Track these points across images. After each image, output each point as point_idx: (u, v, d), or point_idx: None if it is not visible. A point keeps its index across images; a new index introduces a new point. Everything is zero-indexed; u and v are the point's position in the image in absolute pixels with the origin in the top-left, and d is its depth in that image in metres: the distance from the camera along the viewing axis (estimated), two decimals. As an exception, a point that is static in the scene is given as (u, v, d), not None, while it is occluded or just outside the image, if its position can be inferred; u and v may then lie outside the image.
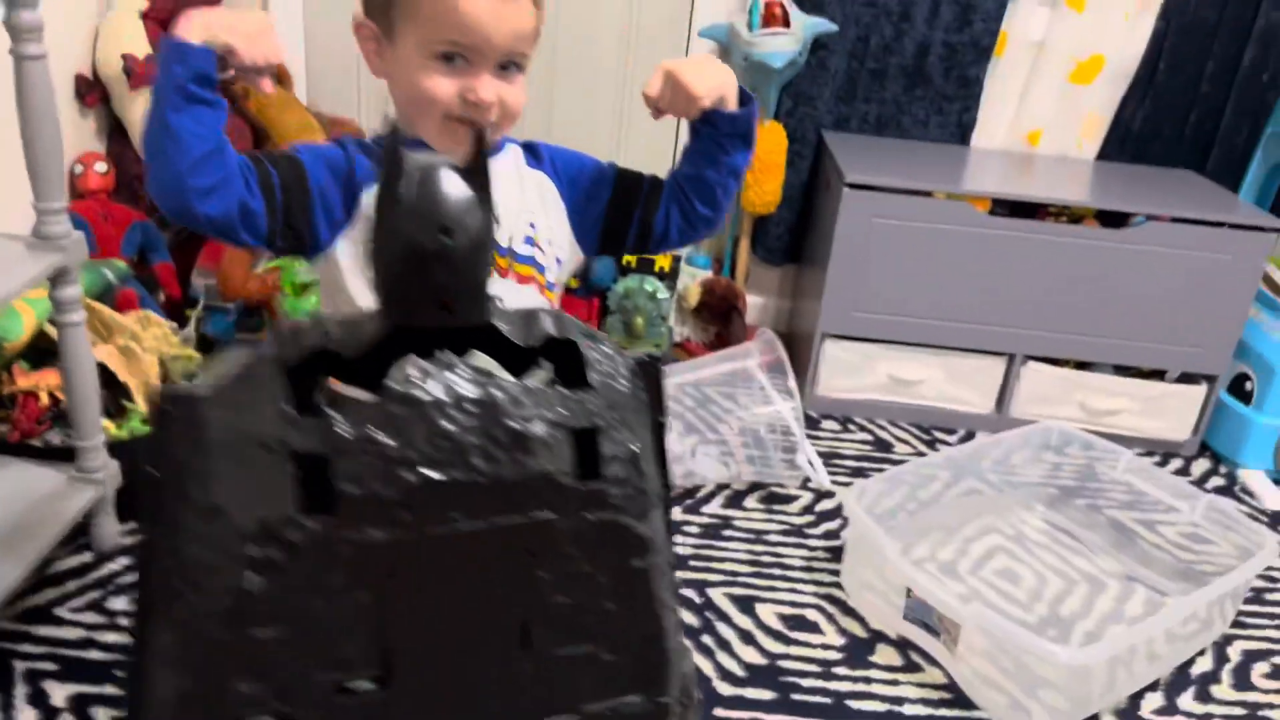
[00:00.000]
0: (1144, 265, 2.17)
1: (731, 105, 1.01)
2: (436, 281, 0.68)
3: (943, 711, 1.52)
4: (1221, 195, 2.30)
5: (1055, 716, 1.49)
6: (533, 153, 1.08)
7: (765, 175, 2.38)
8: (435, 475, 0.67)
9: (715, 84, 0.99)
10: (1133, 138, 2.45)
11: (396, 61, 0.99)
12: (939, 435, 2.30)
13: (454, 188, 0.67)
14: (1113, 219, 2.22)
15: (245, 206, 0.91)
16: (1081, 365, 2.31)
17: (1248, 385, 2.24)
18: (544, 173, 1.07)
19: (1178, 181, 2.38)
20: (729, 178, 1.06)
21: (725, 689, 1.50)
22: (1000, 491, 2.03)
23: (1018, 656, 1.49)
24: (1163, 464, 2.25)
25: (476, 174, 0.67)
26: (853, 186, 2.14)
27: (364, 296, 0.98)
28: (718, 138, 1.03)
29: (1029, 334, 2.23)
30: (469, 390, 0.68)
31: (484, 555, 0.70)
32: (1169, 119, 2.42)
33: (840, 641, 1.64)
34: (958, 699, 1.54)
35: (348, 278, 0.99)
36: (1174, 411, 2.28)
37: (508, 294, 0.97)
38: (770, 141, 2.36)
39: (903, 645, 1.65)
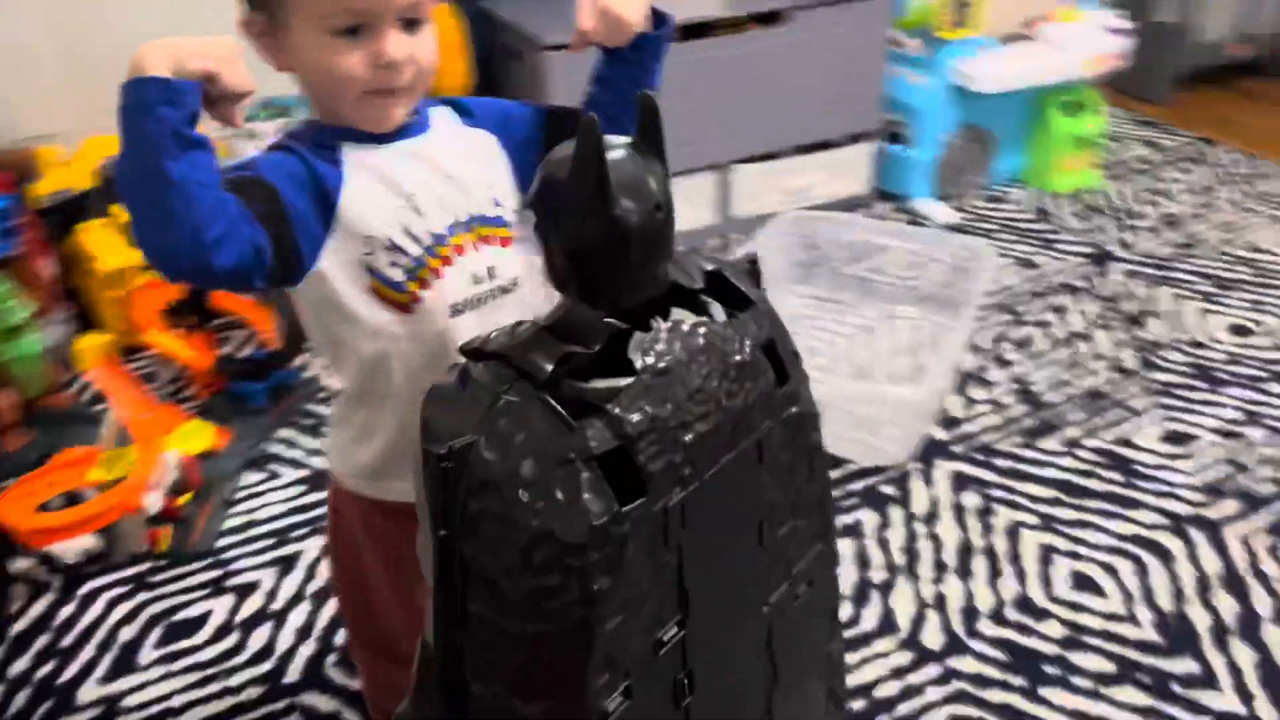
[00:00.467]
0: (798, 54, 2.46)
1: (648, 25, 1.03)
2: (651, 258, 0.71)
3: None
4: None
5: (900, 443, 1.81)
6: (461, 110, 1.04)
7: (449, 57, 2.35)
8: (705, 427, 0.73)
9: (642, 6, 1.00)
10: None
11: (295, 49, 0.90)
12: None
13: (648, 164, 0.69)
14: (766, 20, 2.46)
15: (256, 246, 0.82)
16: (770, 156, 2.60)
17: (897, 130, 2.67)
18: (481, 129, 1.05)
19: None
20: None
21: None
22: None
23: (864, 409, 1.78)
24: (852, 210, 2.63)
25: (655, 143, 0.70)
26: (551, 49, 2.20)
27: (362, 305, 0.93)
28: (644, 60, 1.04)
29: (729, 142, 2.47)
30: (699, 342, 0.74)
31: (733, 478, 0.78)
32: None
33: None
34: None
35: (341, 293, 0.93)
36: (852, 171, 2.66)
37: (499, 261, 0.98)
38: (442, 23, 2.31)
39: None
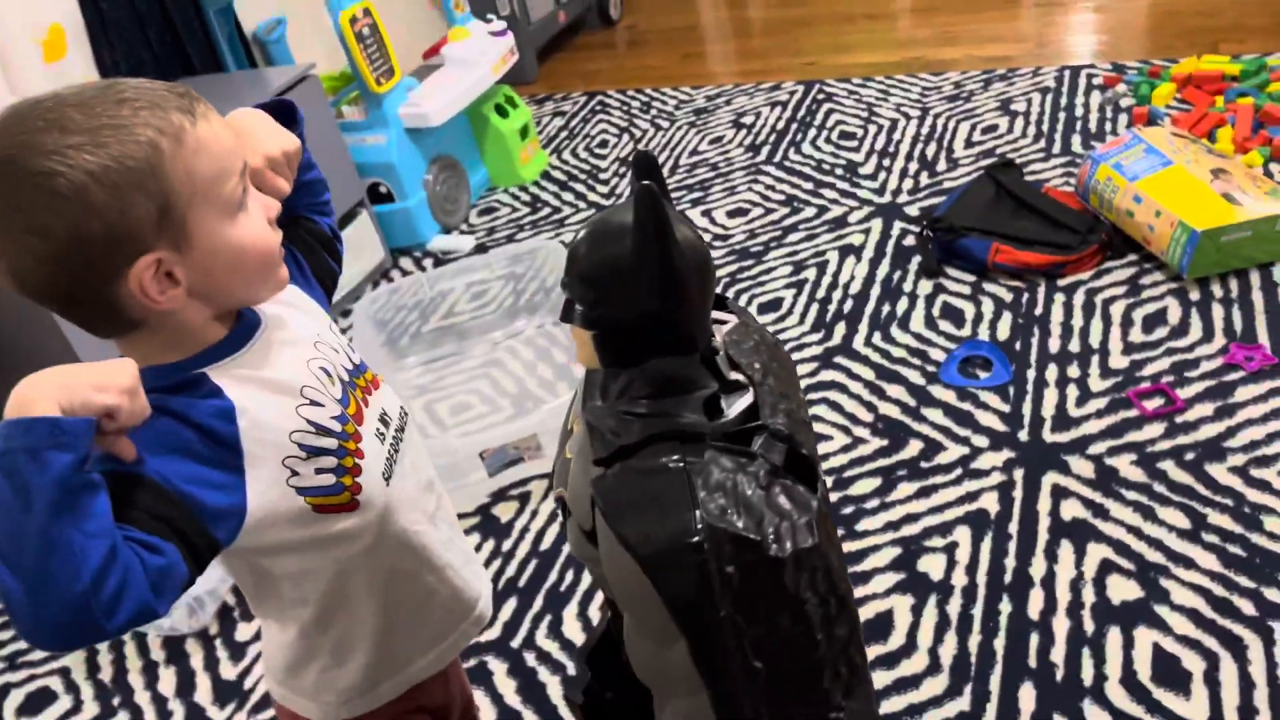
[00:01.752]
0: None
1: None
2: (712, 287, 0.74)
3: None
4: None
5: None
6: None
7: None
8: (794, 405, 0.80)
9: (284, 133, 0.90)
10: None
11: (209, 253, 0.75)
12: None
13: (670, 209, 0.72)
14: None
15: (160, 581, 0.68)
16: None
17: (382, 188, 2.72)
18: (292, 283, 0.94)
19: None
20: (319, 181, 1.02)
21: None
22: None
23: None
24: (376, 287, 2.65)
25: (664, 190, 0.73)
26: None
27: (308, 530, 0.82)
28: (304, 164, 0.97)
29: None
30: (754, 338, 0.80)
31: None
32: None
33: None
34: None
35: (283, 531, 0.81)
36: (365, 245, 2.66)
37: (384, 404, 0.92)
38: None
39: (520, 499, 1.91)
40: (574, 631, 1.64)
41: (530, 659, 1.61)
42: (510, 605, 1.70)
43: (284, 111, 0.93)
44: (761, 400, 0.73)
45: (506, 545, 1.82)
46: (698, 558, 0.66)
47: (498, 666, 1.60)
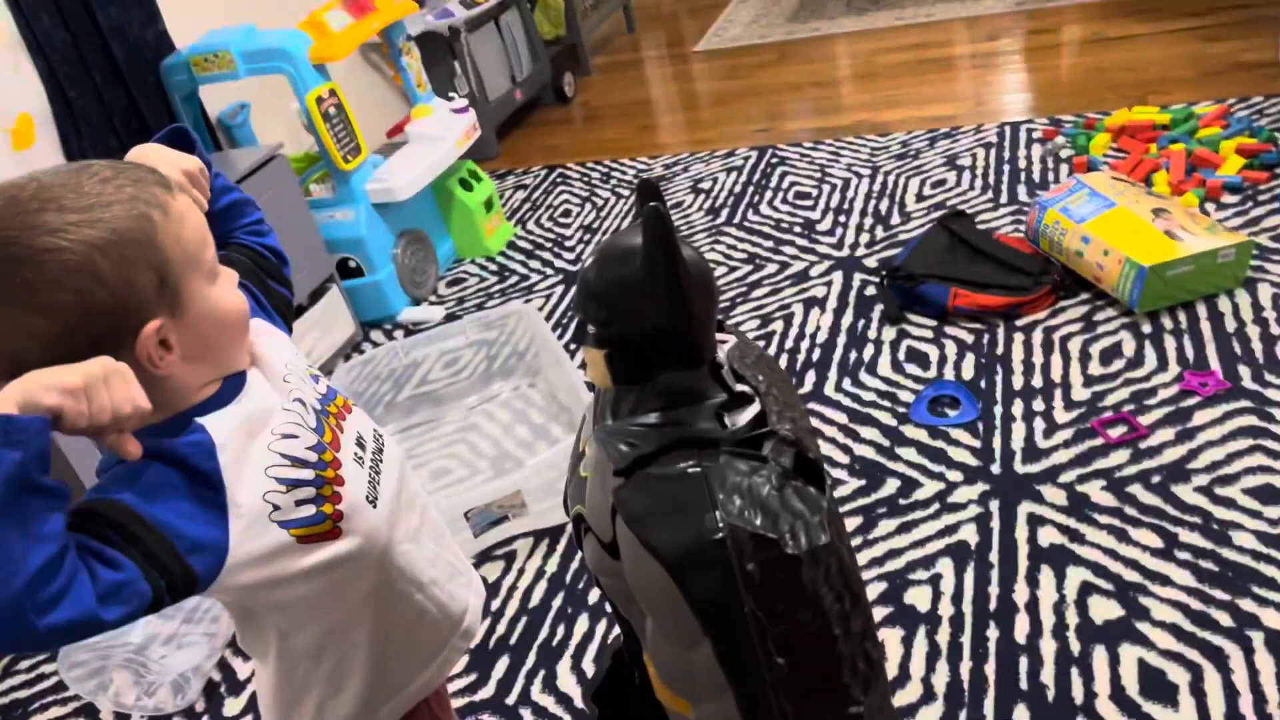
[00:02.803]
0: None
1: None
2: (716, 306, 0.79)
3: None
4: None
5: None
6: None
7: None
8: (797, 414, 0.84)
9: (182, 155, 0.90)
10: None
11: (200, 317, 0.79)
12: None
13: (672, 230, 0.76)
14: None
15: (110, 594, 0.69)
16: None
17: (351, 263, 2.75)
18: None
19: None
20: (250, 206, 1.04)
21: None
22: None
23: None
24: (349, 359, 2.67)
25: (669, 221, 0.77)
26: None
27: (295, 563, 0.83)
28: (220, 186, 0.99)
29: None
30: (756, 350, 0.84)
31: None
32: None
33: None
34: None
35: (270, 566, 0.82)
36: (337, 319, 2.68)
37: (359, 428, 0.94)
38: None
39: (507, 557, 1.91)
40: (569, 685, 1.64)
41: (527, 715, 1.60)
42: (503, 663, 1.70)
43: (179, 139, 0.94)
44: (768, 409, 0.77)
45: (495, 604, 1.82)
46: (720, 556, 0.69)
47: (495, 724, 1.60)
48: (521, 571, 1.88)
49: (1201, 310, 2.13)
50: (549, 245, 3.06)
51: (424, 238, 2.92)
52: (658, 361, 0.77)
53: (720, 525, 0.69)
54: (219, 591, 0.82)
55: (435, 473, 2.20)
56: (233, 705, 1.75)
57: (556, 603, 1.80)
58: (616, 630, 1.33)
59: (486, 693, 1.65)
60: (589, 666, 1.66)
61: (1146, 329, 2.11)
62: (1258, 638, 1.46)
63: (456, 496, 1.89)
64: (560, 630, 1.74)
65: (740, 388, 0.79)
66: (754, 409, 0.77)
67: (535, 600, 1.81)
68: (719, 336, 0.84)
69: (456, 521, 1.87)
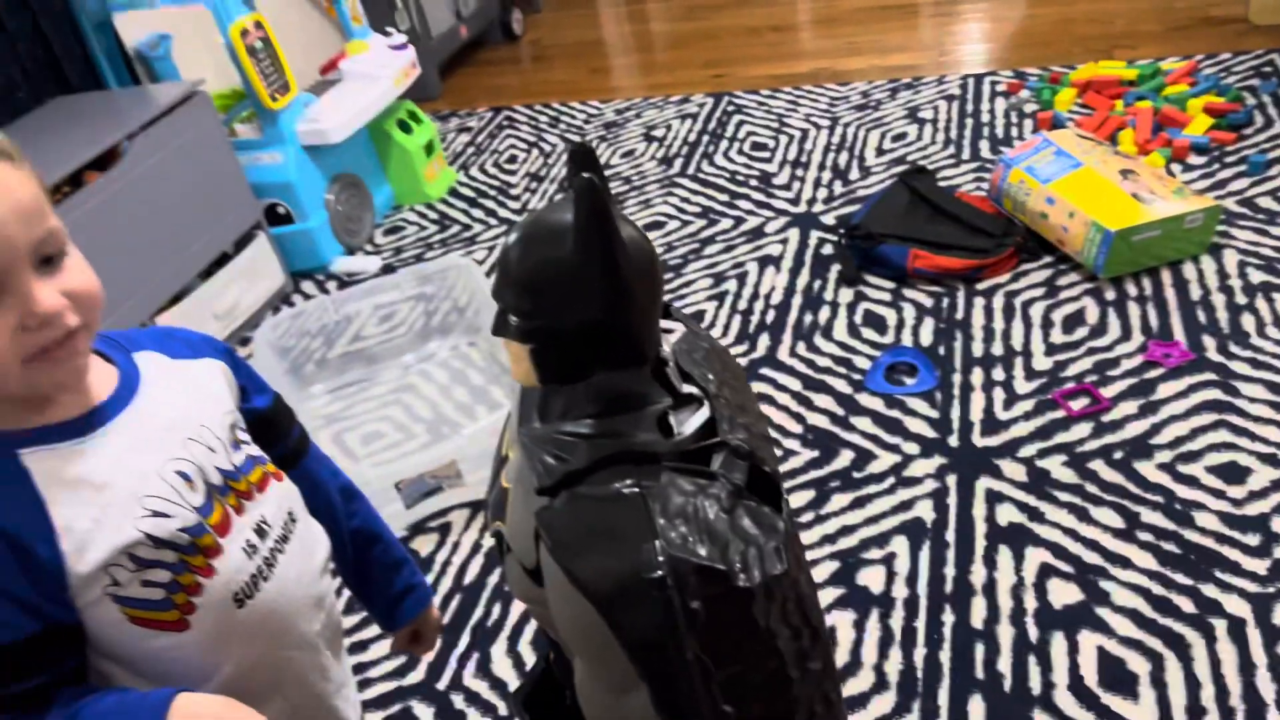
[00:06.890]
0: (152, 181, 2.22)
1: None
2: (661, 290, 0.67)
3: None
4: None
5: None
6: (170, 346, 0.82)
7: None
8: (750, 419, 0.73)
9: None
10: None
11: None
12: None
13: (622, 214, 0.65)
14: (102, 164, 2.19)
15: None
16: (180, 295, 2.35)
17: (280, 209, 2.59)
18: (204, 358, 0.84)
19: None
20: None
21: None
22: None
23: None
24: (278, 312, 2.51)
25: (604, 183, 0.65)
26: None
27: (121, 644, 0.74)
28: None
29: (136, 303, 2.19)
30: (704, 346, 0.73)
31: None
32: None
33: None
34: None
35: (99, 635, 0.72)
36: (265, 268, 2.52)
37: (266, 510, 0.81)
38: None
39: (440, 530, 1.81)
40: (504, 669, 1.54)
41: (459, 701, 1.51)
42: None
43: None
44: (718, 414, 0.67)
45: (428, 580, 1.72)
46: (660, 594, 0.59)
47: (424, 711, 1.50)
48: (456, 546, 1.78)
49: (1166, 277, 2.06)
50: (493, 193, 2.92)
51: (359, 183, 2.75)
52: (592, 359, 0.65)
53: (660, 559, 0.59)
54: None
55: (367, 437, 2.08)
56: None
57: (492, 580, 1.70)
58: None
59: (416, 677, 1.56)
60: (526, 650, 1.57)
61: (1110, 295, 2.04)
62: (1220, 625, 1.41)
63: (387, 466, 1.77)
64: (496, 610, 1.64)
65: (687, 388, 0.68)
66: (702, 415, 0.67)
67: (470, 577, 1.71)
68: (664, 325, 0.73)
69: (387, 492, 1.75)
